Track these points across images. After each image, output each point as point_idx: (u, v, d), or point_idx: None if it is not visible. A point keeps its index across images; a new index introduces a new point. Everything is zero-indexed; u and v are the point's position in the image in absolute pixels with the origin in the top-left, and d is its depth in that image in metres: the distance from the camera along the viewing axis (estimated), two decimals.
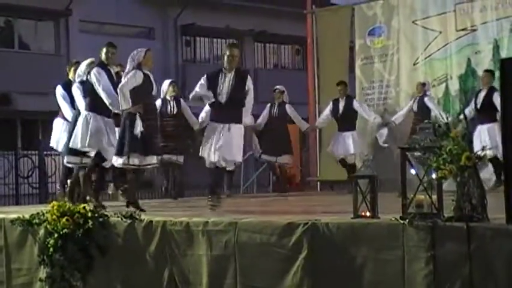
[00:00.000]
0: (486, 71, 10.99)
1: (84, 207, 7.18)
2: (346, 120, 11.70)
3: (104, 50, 8.70)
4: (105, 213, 7.19)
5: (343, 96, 11.83)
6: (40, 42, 23.81)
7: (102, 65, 8.63)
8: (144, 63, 8.27)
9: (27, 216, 7.46)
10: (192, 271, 6.46)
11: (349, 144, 11.57)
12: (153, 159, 8.19)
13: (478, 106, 10.75)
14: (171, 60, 25.83)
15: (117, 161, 8.17)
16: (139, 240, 6.80)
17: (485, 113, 10.47)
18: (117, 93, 8.24)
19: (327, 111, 12.01)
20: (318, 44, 13.98)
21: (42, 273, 7.21)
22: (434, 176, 5.44)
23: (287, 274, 5.88)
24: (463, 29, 11.87)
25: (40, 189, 14.65)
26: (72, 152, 8.89)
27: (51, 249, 7.04)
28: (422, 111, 11.40)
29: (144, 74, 8.20)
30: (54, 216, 7.08)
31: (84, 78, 8.83)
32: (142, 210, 7.72)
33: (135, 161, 8.07)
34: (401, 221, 5.43)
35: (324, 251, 5.75)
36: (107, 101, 8.41)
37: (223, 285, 6.25)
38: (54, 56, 23.43)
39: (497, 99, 10.04)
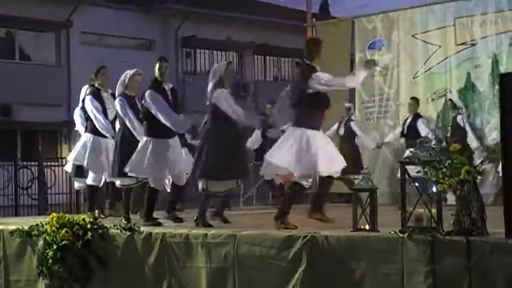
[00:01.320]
0: (412, 98, 11.65)
1: (83, 219, 7.19)
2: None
3: (157, 65, 8.05)
4: (105, 224, 7.19)
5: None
6: (41, 54, 23.84)
7: (156, 85, 8.01)
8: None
9: (26, 227, 7.47)
10: (191, 283, 6.46)
11: None
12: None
13: (405, 132, 11.34)
14: (172, 72, 25.81)
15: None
16: (138, 252, 6.80)
17: (411, 138, 10.66)
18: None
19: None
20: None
21: (41, 284, 7.21)
22: (434, 189, 5.45)
23: (286, 287, 5.88)
24: (462, 43, 11.90)
25: (39, 200, 14.66)
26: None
27: (50, 261, 7.04)
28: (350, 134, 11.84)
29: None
30: (53, 228, 7.08)
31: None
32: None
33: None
34: (401, 235, 5.43)
35: (323, 264, 5.75)
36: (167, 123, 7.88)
37: None
38: (55, 67, 23.47)
39: (420, 125, 11.11)
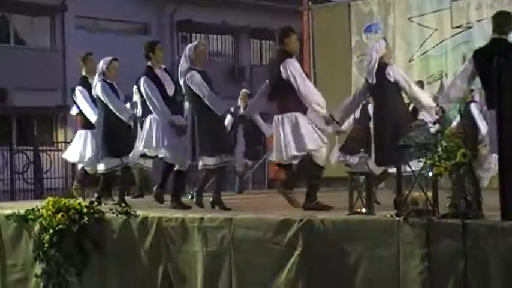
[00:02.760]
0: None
1: (79, 203, 7.18)
2: None
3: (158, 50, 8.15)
4: (100, 209, 7.19)
5: None
6: (36, 38, 23.72)
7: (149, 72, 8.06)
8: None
9: (22, 211, 7.46)
10: (187, 267, 6.47)
11: None
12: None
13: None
14: (167, 57, 25.69)
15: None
16: (134, 236, 6.81)
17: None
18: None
19: None
20: (315, 40, 13.97)
21: (38, 269, 7.21)
22: (429, 173, 5.46)
23: (282, 270, 5.89)
24: (458, 27, 11.89)
25: (35, 184, 14.64)
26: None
27: (46, 245, 7.04)
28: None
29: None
30: (49, 212, 7.07)
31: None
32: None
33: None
34: (397, 218, 5.44)
35: (319, 248, 5.76)
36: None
37: (218, 281, 6.26)
38: (50, 51, 23.36)
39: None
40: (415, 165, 5.71)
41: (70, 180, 14.24)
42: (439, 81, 12.10)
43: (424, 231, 5.26)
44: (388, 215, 5.55)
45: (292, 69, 7.10)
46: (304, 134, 7.04)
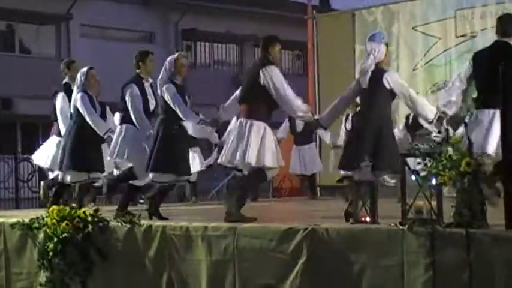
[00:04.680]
0: None
1: (84, 212, 7.19)
2: None
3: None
4: (105, 217, 7.20)
5: None
6: (41, 47, 23.84)
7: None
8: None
9: (26, 220, 7.47)
10: (191, 276, 6.47)
11: None
12: None
13: (410, 123, 11.13)
14: None
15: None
16: (139, 244, 6.81)
17: (414, 130, 10.61)
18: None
19: None
20: (319, 49, 13.99)
21: (42, 277, 7.21)
22: (434, 182, 5.45)
23: (286, 279, 5.88)
24: (462, 35, 11.90)
25: (40, 193, 14.65)
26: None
27: (50, 254, 7.05)
28: None
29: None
30: (53, 221, 7.08)
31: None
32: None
33: None
34: (401, 227, 5.44)
35: (324, 257, 5.76)
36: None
37: None
38: (55, 60, 23.43)
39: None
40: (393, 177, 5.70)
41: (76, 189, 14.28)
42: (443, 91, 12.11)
43: (428, 240, 5.25)
44: (393, 224, 5.54)
45: (274, 76, 6.96)
46: (268, 148, 6.92)
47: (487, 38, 11.61)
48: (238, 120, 7.13)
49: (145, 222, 6.91)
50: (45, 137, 23.43)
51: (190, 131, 7.80)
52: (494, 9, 11.62)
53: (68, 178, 8.46)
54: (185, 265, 6.50)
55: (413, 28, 12.56)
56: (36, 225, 7.33)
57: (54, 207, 7.28)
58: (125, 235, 6.91)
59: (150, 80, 8.11)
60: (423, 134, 5.98)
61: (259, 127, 6.93)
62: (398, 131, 11.75)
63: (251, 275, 6.11)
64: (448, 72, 12.09)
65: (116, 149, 7.97)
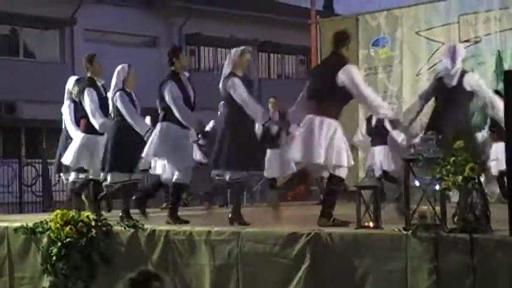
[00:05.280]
0: None
1: (87, 216, 7.20)
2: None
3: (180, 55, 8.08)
4: (109, 222, 7.20)
5: None
6: (45, 51, 23.86)
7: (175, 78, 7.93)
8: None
9: (30, 224, 7.48)
10: (195, 280, 6.47)
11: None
12: None
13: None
14: None
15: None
16: (142, 249, 6.81)
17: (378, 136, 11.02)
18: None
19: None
20: (322, 54, 13.98)
21: (45, 282, 7.22)
22: (437, 187, 5.45)
23: (290, 284, 5.88)
24: (466, 40, 11.89)
25: (44, 197, 14.66)
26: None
27: (54, 258, 7.05)
28: None
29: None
30: (57, 225, 7.09)
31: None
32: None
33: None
34: (405, 232, 5.43)
35: (327, 261, 5.75)
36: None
37: None
38: (59, 64, 23.49)
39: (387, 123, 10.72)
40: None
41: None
42: None
43: (432, 246, 5.25)
44: (396, 229, 5.54)
45: (354, 75, 6.87)
46: (339, 146, 6.76)
47: (491, 42, 11.64)
48: (307, 117, 6.91)
49: (148, 226, 6.91)
50: (49, 142, 23.45)
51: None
52: (498, 14, 11.61)
53: (109, 179, 8.24)
54: (188, 270, 6.50)
55: (416, 33, 12.55)
56: (40, 229, 7.34)
57: (58, 211, 7.29)
58: (128, 239, 6.92)
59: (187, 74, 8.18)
60: (426, 138, 5.95)
61: (330, 124, 6.76)
62: (362, 135, 11.73)
63: (254, 279, 6.11)
64: None
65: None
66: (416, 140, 7.39)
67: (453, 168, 5.35)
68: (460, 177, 5.29)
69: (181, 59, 8.04)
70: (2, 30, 23.29)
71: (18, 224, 7.64)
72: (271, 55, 28.39)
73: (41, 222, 7.38)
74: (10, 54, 22.86)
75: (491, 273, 5.04)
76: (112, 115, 8.34)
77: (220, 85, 7.58)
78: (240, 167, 7.27)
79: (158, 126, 7.87)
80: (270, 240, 6.05)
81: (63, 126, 9.43)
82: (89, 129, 8.71)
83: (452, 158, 5.38)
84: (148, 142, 7.87)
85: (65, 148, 9.08)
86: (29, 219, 7.87)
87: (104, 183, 8.34)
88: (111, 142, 8.20)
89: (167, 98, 7.73)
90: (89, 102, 8.61)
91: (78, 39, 23.85)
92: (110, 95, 8.41)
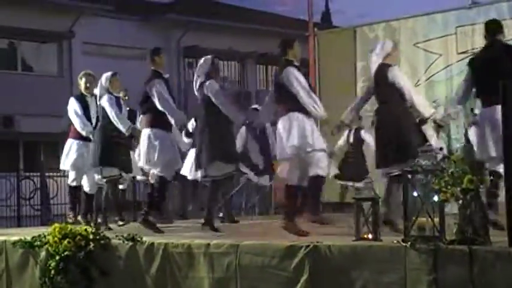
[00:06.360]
0: None
1: (85, 229, 7.18)
2: None
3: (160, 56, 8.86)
4: (107, 235, 7.18)
5: None
6: (43, 64, 23.93)
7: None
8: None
9: (28, 238, 7.46)
10: None
11: None
12: None
13: None
14: (174, 82, 25.91)
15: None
16: (140, 262, 6.79)
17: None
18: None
19: None
20: (320, 66, 14.02)
21: None
22: (436, 198, 5.44)
23: None
24: (464, 52, 11.92)
25: (42, 211, 14.65)
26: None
27: (52, 272, 7.03)
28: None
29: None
30: (55, 239, 7.07)
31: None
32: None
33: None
34: (404, 244, 5.42)
35: (326, 274, 5.74)
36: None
37: None
38: (57, 77, 23.54)
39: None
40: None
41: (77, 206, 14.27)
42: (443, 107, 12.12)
43: (431, 257, 5.24)
44: (395, 241, 5.53)
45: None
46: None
47: None
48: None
49: (147, 239, 6.90)
50: (47, 155, 23.51)
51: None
52: None
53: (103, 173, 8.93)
54: (187, 283, 6.48)
55: (414, 45, 12.58)
56: (38, 243, 7.32)
57: (56, 224, 7.27)
58: (126, 253, 6.89)
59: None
60: (425, 150, 5.96)
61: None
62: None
63: None
64: (449, 89, 12.09)
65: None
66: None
67: (451, 180, 5.35)
68: (458, 189, 5.29)
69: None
70: (0, 43, 23.34)
71: (16, 238, 7.63)
72: (269, 67, 28.46)
73: (39, 235, 7.36)
74: (8, 68, 22.92)
75: (490, 285, 5.03)
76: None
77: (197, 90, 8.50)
78: (218, 163, 8.13)
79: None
80: (269, 253, 6.04)
81: None
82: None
83: (451, 170, 5.38)
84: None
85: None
86: (27, 233, 7.85)
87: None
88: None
89: (156, 96, 8.34)
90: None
91: (76, 52, 23.92)
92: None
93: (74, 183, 9.69)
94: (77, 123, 9.49)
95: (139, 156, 8.71)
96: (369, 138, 11.87)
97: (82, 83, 9.62)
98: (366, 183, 6.41)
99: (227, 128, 8.37)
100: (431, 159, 5.72)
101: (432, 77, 12.32)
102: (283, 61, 7.63)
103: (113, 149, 8.91)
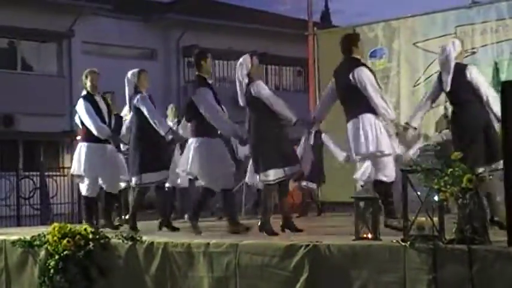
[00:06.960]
0: None
1: (85, 229, 7.19)
2: None
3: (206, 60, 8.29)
4: (106, 234, 7.19)
5: None
6: (43, 64, 23.92)
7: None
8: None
9: (28, 237, 7.46)
10: None
11: None
12: None
13: None
14: (173, 82, 25.92)
15: None
16: (140, 262, 6.79)
17: None
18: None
19: None
20: (320, 65, 14.02)
21: None
22: (435, 198, 5.44)
23: None
24: None
25: (41, 210, 14.66)
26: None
27: (51, 271, 7.03)
28: None
29: None
30: (55, 238, 7.08)
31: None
32: None
33: None
34: (403, 243, 5.43)
35: (325, 273, 5.74)
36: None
37: None
38: (57, 77, 23.53)
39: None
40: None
41: (76, 205, 14.29)
42: (443, 106, 12.12)
43: (430, 257, 5.24)
44: (394, 241, 5.53)
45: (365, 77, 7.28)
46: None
47: (487, 53, 11.67)
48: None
49: (146, 239, 6.90)
50: (47, 154, 23.48)
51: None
52: (494, 25, 11.65)
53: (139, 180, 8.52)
54: (187, 282, 6.49)
55: (414, 44, 12.58)
56: (38, 242, 7.32)
57: (56, 224, 7.28)
58: (126, 252, 6.90)
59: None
60: (424, 149, 5.97)
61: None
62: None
63: None
64: None
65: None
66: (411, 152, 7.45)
67: (451, 179, 5.35)
68: (457, 188, 5.29)
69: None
70: (0, 43, 23.34)
71: (15, 237, 7.63)
72: (269, 67, 28.46)
73: (39, 235, 7.36)
74: (8, 67, 22.91)
75: (489, 284, 5.04)
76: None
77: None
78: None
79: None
80: (268, 252, 6.05)
81: None
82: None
83: (450, 169, 5.38)
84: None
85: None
86: (26, 232, 7.85)
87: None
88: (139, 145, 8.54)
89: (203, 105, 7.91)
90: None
91: (76, 52, 23.92)
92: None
93: (89, 193, 8.92)
94: (92, 125, 8.69)
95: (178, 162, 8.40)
96: (329, 140, 11.72)
97: (88, 81, 8.92)
98: (365, 183, 6.37)
99: (281, 131, 7.73)
100: (431, 158, 5.72)
101: (431, 76, 12.32)
102: (349, 59, 7.47)
103: (157, 153, 8.45)
